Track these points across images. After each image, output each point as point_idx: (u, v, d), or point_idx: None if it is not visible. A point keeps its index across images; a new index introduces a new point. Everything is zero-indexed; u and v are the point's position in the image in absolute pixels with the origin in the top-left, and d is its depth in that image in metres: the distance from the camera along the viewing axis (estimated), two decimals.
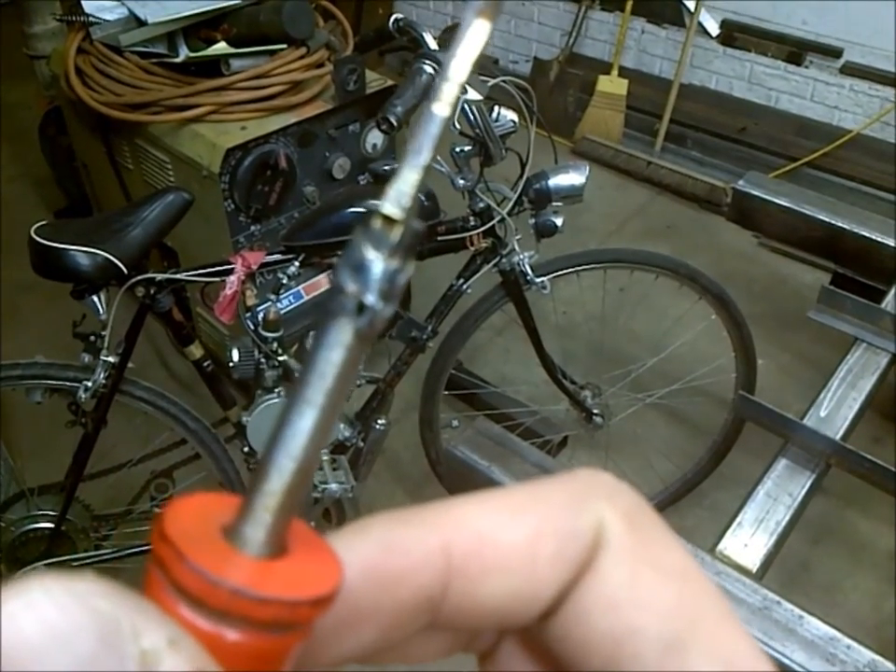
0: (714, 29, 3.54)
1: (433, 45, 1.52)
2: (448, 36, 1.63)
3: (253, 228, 2.14)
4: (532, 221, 1.72)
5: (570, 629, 0.19)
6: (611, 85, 3.72)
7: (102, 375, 1.56)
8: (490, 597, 0.19)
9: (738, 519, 1.33)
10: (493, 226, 1.69)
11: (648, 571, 0.19)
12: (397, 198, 0.16)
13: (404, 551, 0.18)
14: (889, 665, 1.07)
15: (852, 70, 3.28)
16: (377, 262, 0.15)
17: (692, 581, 0.20)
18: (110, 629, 0.13)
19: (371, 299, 0.15)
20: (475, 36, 0.17)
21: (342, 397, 0.16)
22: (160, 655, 0.13)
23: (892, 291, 1.77)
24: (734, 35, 3.52)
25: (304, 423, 0.16)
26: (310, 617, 0.16)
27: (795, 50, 3.39)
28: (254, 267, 1.59)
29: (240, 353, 1.64)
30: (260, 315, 1.64)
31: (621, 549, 0.20)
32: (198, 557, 0.15)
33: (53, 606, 0.13)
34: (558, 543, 0.19)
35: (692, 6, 3.47)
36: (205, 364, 1.72)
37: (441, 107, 0.16)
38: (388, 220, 0.15)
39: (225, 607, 0.15)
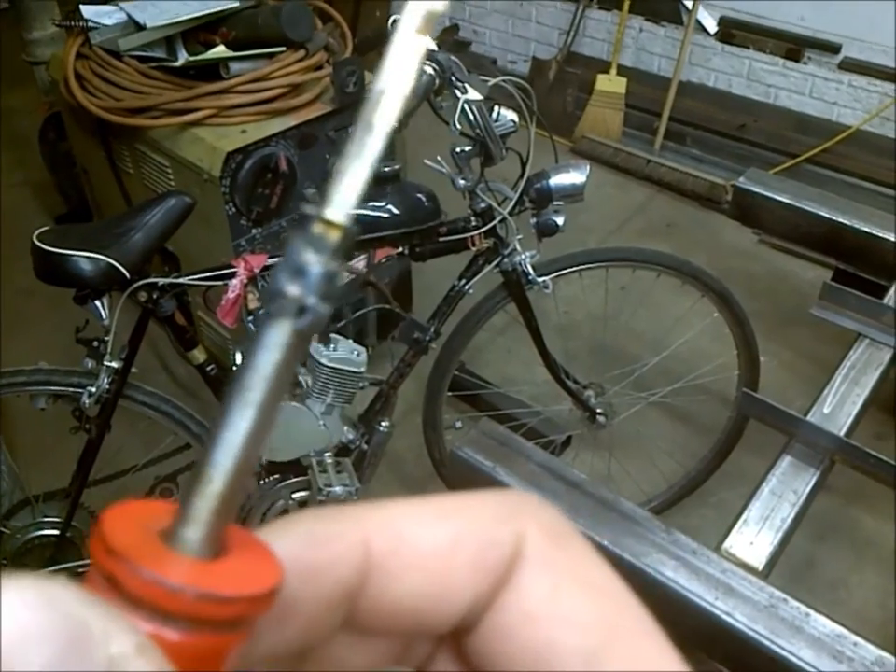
0: (712, 26, 3.54)
1: (432, 45, 1.52)
2: (445, 37, 1.63)
3: (254, 231, 2.14)
4: (533, 221, 1.72)
5: (492, 643, 0.20)
6: (610, 84, 3.72)
7: (105, 381, 1.56)
8: (405, 596, 0.19)
9: (743, 517, 1.32)
10: (494, 226, 1.69)
11: (568, 585, 0.19)
12: (339, 204, 0.16)
13: (325, 543, 0.19)
14: None
15: (851, 66, 3.28)
16: (317, 265, 0.15)
17: (613, 596, 0.20)
18: (80, 633, 0.13)
19: (312, 300, 0.15)
20: (410, 48, 0.17)
21: (281, 396, 0.16)
22: (126, 660, 0.14)
23: (894, 287, 1.77)
24: (732, 32, 3.52)
25: (244, 424, 0.16)
26: (250, 615, 0.16)
27: (794, 47, 3.39)
28: (256, 270, 1.59)
29: (243, 356, 1.64)
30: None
31: (541, 562, 0.20)
32: (136, 559, 0.15)
33: (26, 608, 0.13)
34: (477, 551, 0.19)
35: (689, 3, 3.47)
36: (209, 368, 1.72)
37: (378, 118, 0.17)
38: (329, 224, 0.16)
39: (164, 606, 0.15)
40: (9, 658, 0.13)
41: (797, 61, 3.41)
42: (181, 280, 1.58)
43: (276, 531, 0.19)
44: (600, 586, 0.20)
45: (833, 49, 3.30)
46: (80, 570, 1.76)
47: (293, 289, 0.15)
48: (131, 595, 0.15)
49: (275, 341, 0.16)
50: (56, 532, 1.73)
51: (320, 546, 0.19)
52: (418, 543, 0.19)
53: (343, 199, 0.16)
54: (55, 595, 0.14)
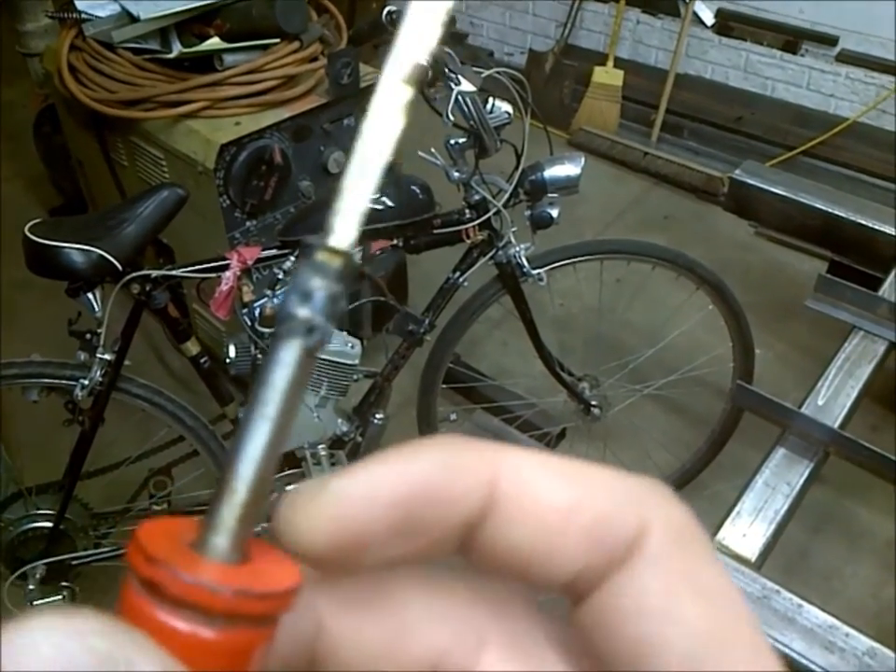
0: (709, 18, 3.53)
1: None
2: (444, 29, 1.62)
3: (248, 223, 2.13)
4: (528, 213, 1.72)
5: (594, 625, 0.19)
6: (607, 76, 3.71)
7: (98, 373, 1.56)
8: (518, 544, 0.19)
9: (737, 509, 1.32)
10: (489, 218, 1.69)
11: (683, 587, 0.19)
12: (341, 233, 0.17)
13: (457, 473, 0.19)
14: (888, 652, 1.07)
15: (848, 58, 3.27)
16: (323, 290, 0.17)
17: (729, 605, 0.19)
18: (106, 667, 0.14)
19: (319, 321, 0.17)
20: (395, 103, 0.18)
21: (295, 409, 0.18)
22: None
23: (889, 279, 1.77)
24: (729, 24, 3.51)
25: (262, 436, 0.17)
26: (278, 610, 0.17)
27: (791, 39, 3.38)
28: (249, 262, 1.59)
29: (236, 349, 1.64)
30: (257, 311, 1.63)
31: (660, 558, 0.19)
32: (175, 564, 0.16)
33: (52, 645, 0.14)
34: (595, 522, 0.19)
35: None
36: (202, 360, 1.72)
37: (375, 152, 0.18)
38: (333, 252, 0.17)
39: (204, 604, 0.16)
40: None
41: (794, 53, 3.40)
42: (174, 272, 1.58)
43: (411, 453, 0.19)
44: (715, 594, 0.19)
45: (831, 41, 3.29)
46: (73, 563, 1.76)
47: (303, 312, 0.17)
48: (172, 598, 0.16)
49: (288, 358, 0.17)
50: (49, 524, 1.73)
51: (452, 475, 0.19)
52: (541, 496, 0.19)
53: (345, 228, 0.17)
54: (80, 628, 0.14)
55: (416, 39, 0.18)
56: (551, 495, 0.19)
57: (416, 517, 0.19)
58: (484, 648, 0.20)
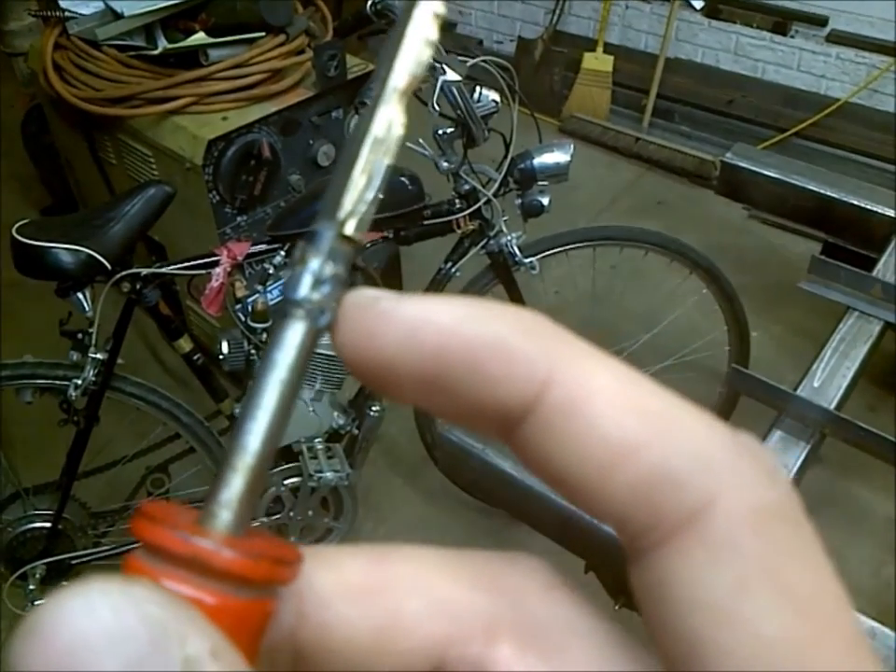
0: (699, 2, 3.52)
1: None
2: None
3: (239, 219, 2.12)
4: (518, 202, 1.71)
5: (646, 598, 0.17)
6: (597, 62, 3.69)
7: (91, 372, 1.55)
8: (553, 459, 0.17)
9: None
10: (479, 208, 1.68)
11: (758, 583, 0.15)
12: (352, 221, 0.18)
13: (511, 359, 0.17)
14: (888, 631, 1.06)
15: (838, 38, 3.26)
16: (336, 275, 0.18)
17: (820, 610, 0.16)
18: (158, 634, 0.14)
19: (332, 305, 0.18)
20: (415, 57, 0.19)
21: (300, 386, 0.18)
22: (202, 661, 0.14)
23: (883, 259, 1.76)
24: (718, 7, 3.49)
25: (265, 416, 0.18)
26: (282, 578, 0.17)
27: (780, 20, 3.36)
28: (239, 258, 1.58)
29: (229, 345, 1.64)
30: (250, 306, 1.63)
31: (727, 542, 0.15)
32: (181, 528, 0.17)
33: (110, 608, 0.14)
34: (651, 474, 0.16)
35: None
36: (195, 357, 1.71)
37: (386, 133, 0.18)
38: (344, 238, 0.18)
39: (210, 565, 0.16)
40: (93, 658, 0.13)
41: (784, 34, 3.38)
42: (163, 270, 1.57)
43: (476, 314, 0.18)
44: (803, 595, 0.15)
45: (820, 21, 3.27)
46: (73, 562, 1.76)
47: (315, 296, 0.18)
48: (179, 559, 0.16)
49: (296, 340, 0.18)
50: (48, 524, 1.73)
51: (502, 359, 0.17)
52: (596, 422, 0.16)
53: (356, 216, 0.18)
54: (136, 595, 0.14)
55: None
56: (607, 425, 0.16)
57: (449, 379, 0.17)
58: (497, 640, 0.18)
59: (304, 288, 0.18)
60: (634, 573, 0.17)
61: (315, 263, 0.18)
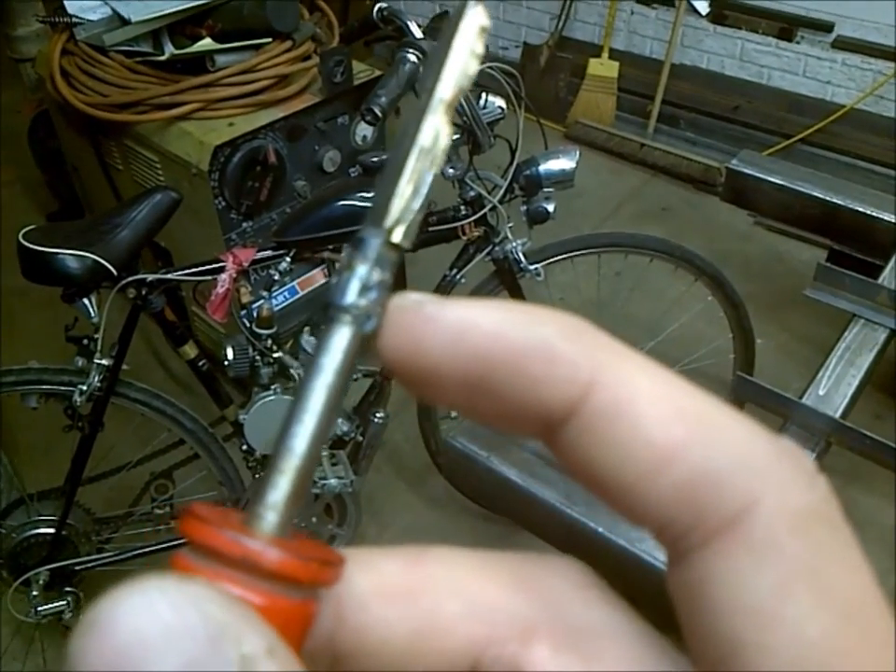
0: (704, 8, 3.52)
1: (418, 33, 1.51)
2: (436, 25, 1.61)
3: (245, 224, 2.13)
4: (524, 208, 1.71)
5: (685, 600, 0.17)
6: (602, 68, 3.69)
7: (96, 378, 1.55)
8: (595, 462, 0.17)
9: None
10: (484, 214, 1.68)
11: (800, 586, 0.15)
12: (400, 229, 0.18)
13: (555, 362, 0.17)
14: None
15: (844, 44, 3.26)
16: (382, 282, 0.18)
17: (861, 614, 0.16)
18: (216, 633, 0.14)
19: (378, 310, 0.18)
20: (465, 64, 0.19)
21: (345, 391, 0.18)
22: (258, 660, 0.14)
23: (889, 266, 1.76)
24: (724, 12, 3.49)
25: (313, 417, 0.18)
26: (327, 579, 0.17)
27: (786, 26, 3.36)
28: (245, 264, 1.58)
29: (234, 351, 1.64)
30: (255, 313, 1.63)
31: (769, 544, 0.16)
32: (230, 529, 0.17)
33: (169, 606, 0.14)
34: (692, 477, 0.16)
35: None
36: (200, 363, 1.71)
37: (432, 143, 0.19)
38: (391, 246, 0.18)
39: (258, 565, 0.16)
40: (152, 656, 0.13)
41: (790, 40, 3.38)
42: (169, 276, 1.57)
43: (518, 318, 0.18)
44: (844, 599, 0.16)
45: (826, 27, 3.27)
46: (77, 568, 1.76)
47: (362, 301, 0.18)
48: (226, 560, 0.16)
49: (344, 345, 0.18)
50: (52, 530, 1.73)
51: (546, 361, 0.17)
52: (640, 425, 0.16)
53: (402, 224, 0.18)
54: (196, 594, 0.14)
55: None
56: (652, 427, 0.16)
57: (494, 382, 0.17)
58: (533, 641, 0.18)
59: (352, 294, 0.18)
60: (673, 574, 0.17)
61: (362, 270, 0.18)
